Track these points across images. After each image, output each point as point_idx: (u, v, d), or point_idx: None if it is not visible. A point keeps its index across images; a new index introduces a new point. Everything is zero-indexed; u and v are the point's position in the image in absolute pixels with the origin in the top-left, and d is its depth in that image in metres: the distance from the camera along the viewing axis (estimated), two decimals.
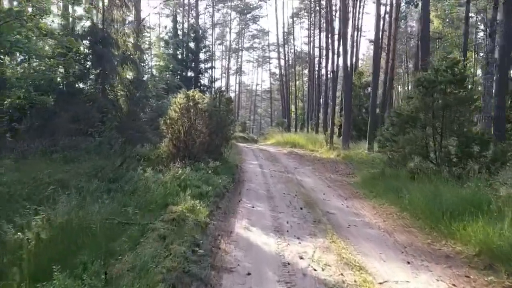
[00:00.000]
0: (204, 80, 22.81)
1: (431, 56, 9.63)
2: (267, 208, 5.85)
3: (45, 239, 3.25)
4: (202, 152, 8.21)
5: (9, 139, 6.90)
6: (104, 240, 3.56)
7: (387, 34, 17.54)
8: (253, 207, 5.90)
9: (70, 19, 8.66)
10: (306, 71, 34.23)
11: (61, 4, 9.49)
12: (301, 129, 26.68)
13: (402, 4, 19.66)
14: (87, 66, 8.93)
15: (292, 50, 33.55)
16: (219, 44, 38.02)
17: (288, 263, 3.63)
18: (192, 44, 22.33)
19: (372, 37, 30.61)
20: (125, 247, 3.36)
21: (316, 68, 27.48)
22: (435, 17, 19.44)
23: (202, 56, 22.80)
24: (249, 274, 3.40)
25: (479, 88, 15.32)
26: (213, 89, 21.41)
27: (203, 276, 3.20)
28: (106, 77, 8.89)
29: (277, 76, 36.77)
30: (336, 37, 20.76)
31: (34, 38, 6.28)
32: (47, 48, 7.10)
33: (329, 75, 23.76)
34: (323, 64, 25.06)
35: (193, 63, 21.83)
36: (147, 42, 17.49)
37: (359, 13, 20.18)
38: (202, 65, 22.48)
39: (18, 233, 3.22)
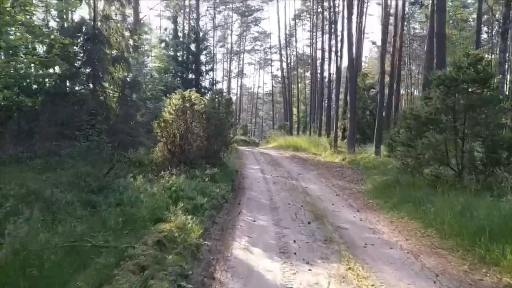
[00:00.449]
0: (205, 82, 22.08)
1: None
2: (270, 221, 5.10)
3: None
4: (199, 158, 7.46)
5: None
6: (68, 272, 2.83)
7: (392, 34, 16.79)
8: (254, 220, 5.16)
9: (54, 12, 7.96)
10: (308, 74, 33.49)
11: None
12: (303, 132, 25.93)
13: (406, 4, 18.87)
14: (77, 65, 8.20)
15: (294, 53, 32.83)
16: (221, 46, 37.34)
17: None
18: (192, 46, 21.63)
19: (375, 38, 29.93)
20: (91, 283, 2.62)
21: (319, 70, 26.78)
22: None
23: (202, 58, 22.09)
24: None
25: None
26: (214, 91, 20.68)
27: None
28: (97, 77, 8.17)
29: (279, 79, 36.05)
30: (339, 38, 20.11)
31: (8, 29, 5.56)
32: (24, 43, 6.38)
33: (332, 77, 23.02)
34: (326, 66, 24.37)
35: (194, 65, 21.11)
36: (145, 43, 16.80)
37: (362, 14, 19.41)
38: (202, 67, 21.76)
39: None
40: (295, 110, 31.68)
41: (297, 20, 32.30)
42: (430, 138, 5.79)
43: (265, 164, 11.87)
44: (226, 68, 37.55)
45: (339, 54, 20.26)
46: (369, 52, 33.68)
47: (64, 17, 9.47)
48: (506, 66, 13.89)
